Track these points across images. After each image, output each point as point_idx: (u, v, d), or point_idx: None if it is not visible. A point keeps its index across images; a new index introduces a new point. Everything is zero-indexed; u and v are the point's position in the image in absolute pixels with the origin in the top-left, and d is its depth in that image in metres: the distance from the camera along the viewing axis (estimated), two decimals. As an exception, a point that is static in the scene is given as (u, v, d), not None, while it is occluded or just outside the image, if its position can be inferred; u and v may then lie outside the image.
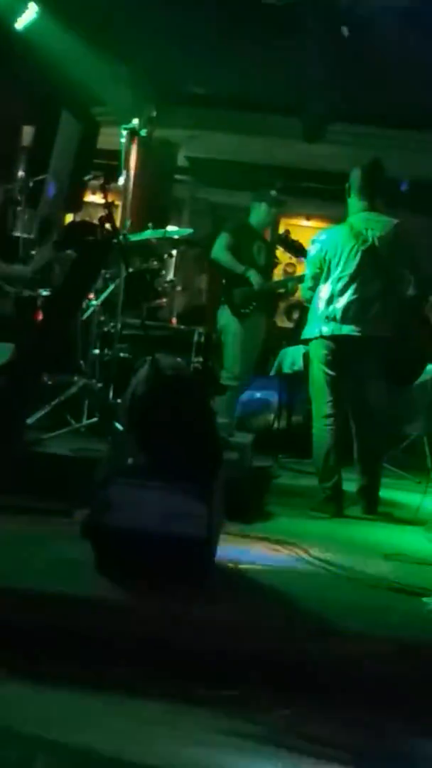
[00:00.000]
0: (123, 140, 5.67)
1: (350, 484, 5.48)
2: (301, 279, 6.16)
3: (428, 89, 7.23)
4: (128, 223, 5.86)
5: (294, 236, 6.61)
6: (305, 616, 3.34)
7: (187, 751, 2.70)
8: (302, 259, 6.22)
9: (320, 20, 6.73)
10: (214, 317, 7.38)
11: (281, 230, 7.99)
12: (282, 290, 7.46)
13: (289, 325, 9.42)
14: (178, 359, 5.76)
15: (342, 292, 5.37)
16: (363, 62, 7.08)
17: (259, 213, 7.31)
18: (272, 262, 7.54)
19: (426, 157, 8.97)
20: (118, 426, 5.04)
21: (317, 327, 5.45)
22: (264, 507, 5.15)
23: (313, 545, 4.30)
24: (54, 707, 2.84)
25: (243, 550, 4.13)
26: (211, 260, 7.44)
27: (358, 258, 5.36)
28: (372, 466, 5.51)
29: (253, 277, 7.05)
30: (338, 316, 5.36)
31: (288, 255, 7.16)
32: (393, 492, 5.94)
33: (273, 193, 7.37)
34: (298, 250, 6.39)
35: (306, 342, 5.74)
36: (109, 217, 5.46)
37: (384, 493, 5.62)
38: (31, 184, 6.36)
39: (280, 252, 7.53)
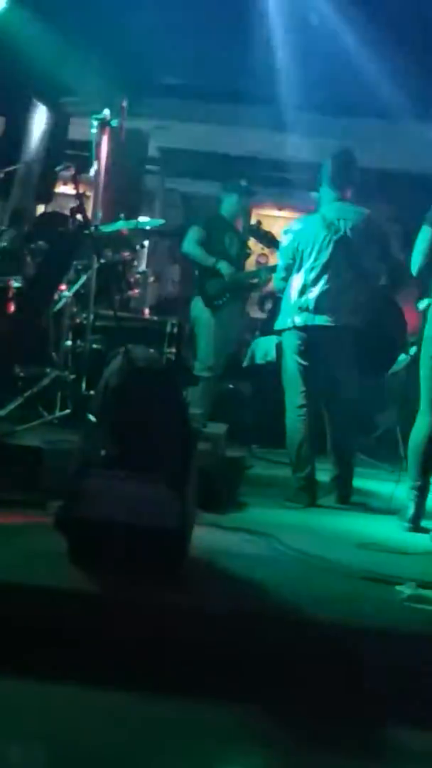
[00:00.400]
0: (94, 131, 5.63)
1: (324, 473, 5.50)
2: (273, 269, 6.17)
3: (396, 80, 7.26)
4: (99, 214, 5.82)
5: (266, 226, 6.61)
6: (280, 605, 3.36)
7: (158, 741, 2.71)
8: (274, 249, 6.23)
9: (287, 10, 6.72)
10: (187, 308, 7.37)
11: (253, 221, 7.99)
12: (255, 280, 7.46)
13: (262, 315, 9.42)
14: (151, 350, 5.75)
15: (314, 283, 5.38)
16: (332, 52, 7.09)
17: (229, 203, 7.31)
18: (245, 253, 7.53)
19: (395, 147, 9.00)
20: (91, 418, 5.03)
21: (290, 317, 5.46)
22: (238, 497, 5.15)
23: (287, 535, 4.31)
24: (22, 697, 2.85)
25: (217, 541, 4.14)
26: (183, 254, 7.43)
27: (330, 248, 5.37)
28: (345, 456, 5.54)
29: (225, 268, 7.05)
30: (311, 307, 5.37)
31: (260, 246, 7.16)
32: (366, 481, 5.97)
33: (243, 182, 7.36)
34: (270, 240, 6.40)
35: (279, 332, 5.74)
36: (81, 208, 5.44)
37: (357, 483, 5.65)
38: (1, 175, 6.31)
39: (252, 243, 7.53)
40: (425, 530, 4.80)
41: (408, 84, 7.30)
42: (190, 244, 7.17)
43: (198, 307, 7.17)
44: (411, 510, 4.89)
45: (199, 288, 7.18)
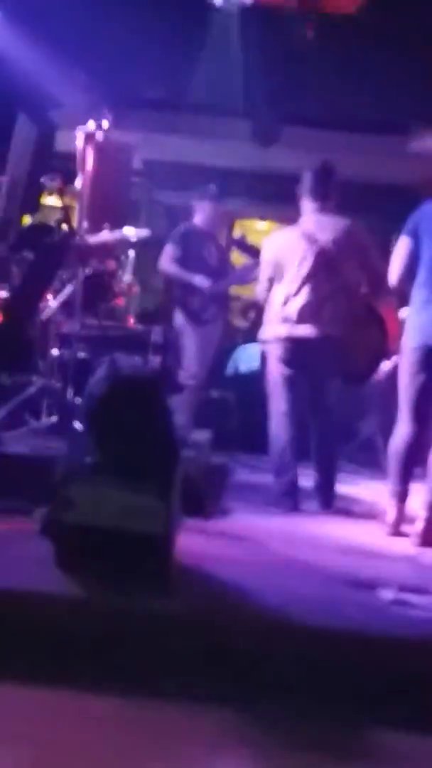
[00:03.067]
0: (79, 143, 5.67)
1: (307, 479, 5.55)
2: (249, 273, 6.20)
3: (377, 94, 7.33)
4: (85, 224, 5.87)
5: (249, 238, 6.66)
6: (263, 610, 3.37)
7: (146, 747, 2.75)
8: (259, 261, 6.29)
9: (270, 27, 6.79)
10: (172, 316, 7.39)
11: (237, 234, 8.01)
12: (236, 286, 7.45)
13: (245, 324, 9.47)
14: (136, 359, 5.81)
15: (296, 294, 5.44)
16: (314, 66, 7.16)
17: (204, 212, 7.28)
18: (226, 260, 7.53)
19: (376, 160, 9.08)
20: (77, 425, 5.07)
21: (273, 328, 5.53)
22: (222, 503, 5.19)
23: (271, 540, 4.35)
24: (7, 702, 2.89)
25: (201, 546, 4.15)
26: (162, 272, 7.44)
27: (310, 260, 5.43)
28: (328, 462, 5.58)
29: (203, 282, 7.05)
30: (293, 318, 5.43)
31: (244, 258, 7.20)
32: (348, 487, 6.02)
33: (212, 187, 7.33)
34: (254, 253, 6.43)
35: (263, 342, 5.80)
36: (66, 219, 5.49)
37: (340, 488, 5.69)
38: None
39: (236, 254, 7.56)
40: (405, 535, 4.86)
41: (389, 97, 7.39)
42: (167, 262, 7.15)
43: (182, 322, 7.19)
44: (392, 515, 4.95)
45: (182, 305, 7.19)
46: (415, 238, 4.94)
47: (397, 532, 4.91)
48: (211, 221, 7.32)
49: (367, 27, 6.57)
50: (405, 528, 4.90)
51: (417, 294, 4.95)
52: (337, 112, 7.87)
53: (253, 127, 8.54)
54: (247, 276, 7.03)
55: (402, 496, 4.96)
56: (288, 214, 5.77)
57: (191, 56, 7.34)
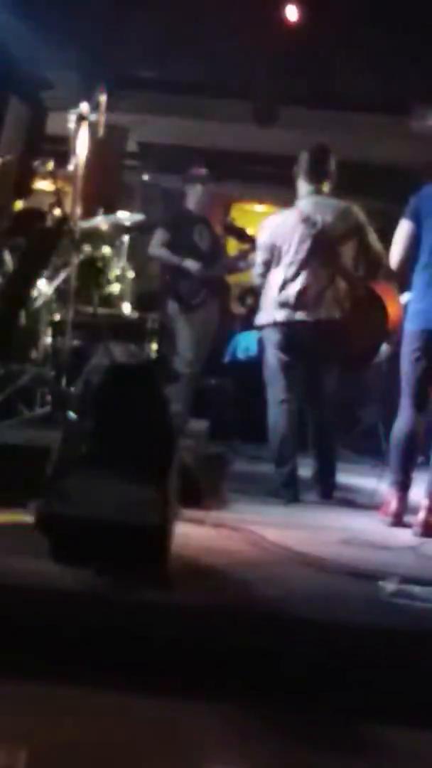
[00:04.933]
0: (72, 125, 5.58)
1: (306, 469, 5.50)
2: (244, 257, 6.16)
3: (376, 73, 7.26)
4: (78, 209, 5.79)
5: (247, 221, 6.60)
6: (262, 602, 3.34)
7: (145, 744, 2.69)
8: (249, 244, 6.22)
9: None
10: (165, 302, 7.32)
11: (227, 217, 7.94)
12: (230, 273, 7.39)
13: (243, 310, 9.41)
14: (132, 346, 5.74)
15: (293, 278, 5.37)
16: (312, 46, 7.08)
17: (194, 195, 7.19)
18: (219, 244, 7.43)
19: (375, 141, 9.01)
20: (72, 415, 5.00)
21: (271, 313, 5.45)
22: (220, 493, 5.14)
23: (270, 531, 4.29)
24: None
25: (199, 537, 4.12)
26: (150, 258, 7.37)
27: (308, 243, 5.35)
28: (327, 451, 5.54)
29: (192, 266, 6.97)
30: (291, 302, 5.36)
31: (236, 242, 7.12)
32: (349, 476, 5.97)
33: (202, 170, 7.24)
34: (242, 236, 6.38)
35: (260, 328, 5.73)
36: (59, 204, 5.41)
37: (340, 478, 5.65)
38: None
39: (230, 240, 7.47)
40: (408, 525, 4.80)
41: (389, 76, 7.32)
42: (156, 246, 7.08)
43: (174, 308, 7.11)
44: (393, 505, 4.89)
45: (173, 291, 7.11)
46: (416, 221, 4.91)
47: (398, 522, 4.86)
48: (202, 205, 7.23)
49: (366, 4, 6.48)
50: (407, 518, 4.85)
51: (418, 278, 4.93)
52: (335, 92, 7.79)
53: (253, 107, 8.45)
54: (238, 263, 6.96)
55: (404, 486, 4.91)
56: (287, 198, 5.69)
57: (185, 36, 7.25)
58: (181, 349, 7.04)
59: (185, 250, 7.01)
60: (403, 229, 4.93)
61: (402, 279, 5.11)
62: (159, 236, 7.08)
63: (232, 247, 7.71)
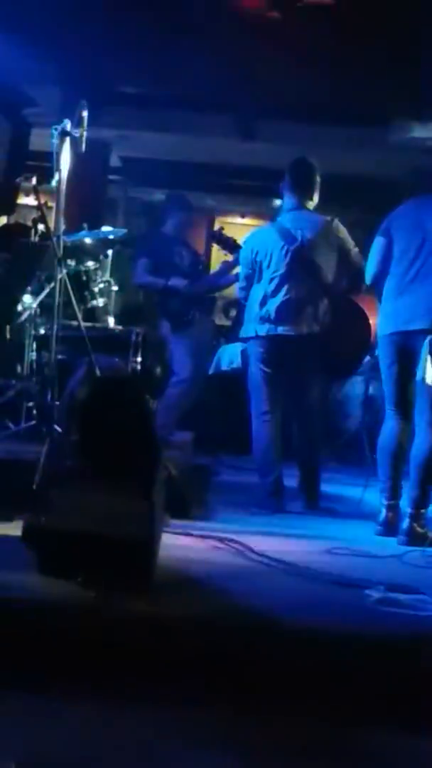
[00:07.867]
0: (54, 141, 5.60)
1: (291, 479, 5.51)
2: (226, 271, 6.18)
3: (357, 86, 7.31)
4: (62, 224, 5.80)
5: (230, 234, 6.61)
6: (249, 612, 3.33)
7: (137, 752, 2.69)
8: (237, 253, 6.24)
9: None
10: (153, 317, 7.33)
11: (216, 227, 7.97)
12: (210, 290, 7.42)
13: (227, 322, 9.42)
14: (116, 360, 5.74)
15: (275, 293, 5.40)
16: (292, 59, 7.12)
17: (175, 220, 7.24)
18: (199, 261, 7.45)
19: (357, 153, 9.05)
20: (57, 428, 5.01)
21: (253, 327, 5.48)
22: (205, 504, 5.15)
23: (256, 541, 4.30)
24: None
25: (185, 548, 4.13)
26: (138, 287, 7.42)
27: (288, 258, 5.38)
28: (312, 461, 5.56)
29: (179, 283, 6.99)
30: (272, 317, 5.39)
31: (223, 252, 7.14)
32: (334, 486, 5.98)
33: (184, 197, 7.32)
34: (232, 246, 6.40)
35: (243, 340, 5.75)
36: (43, 219, 5.42)
37: (325, 487, 5.66)
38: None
39: (215, 249, 7.50)
40: (393, 533, 4.80)
41: (371, 90, 7.35)
42: (142, 276, 7.11)
43: (166, 327, 7.13)
44: (383, 513, 4.91)
45: (164, 312, 7.13)
46: (388, 237, 4.99)
47: (384, 530, 4.86)
48: (181, 230, 7.32)
49: (345, 17, 6.52)
50: (392, 526, 4.86)
51: (387, 285, 4.99)
52: (317, 105, 7.83)
53: (235, 121, 8.49)
54: (220, 281, 7.01)
55: (392, 494, 4.92)
56: (269, 211, 5.73)
57: (167, 51, 7.27)
58: (176, 367, 7.05)
59: (167, 272, 7.02)
60: (377, 246, 5.02)
61: (377, 293, 5.15)
62: (142, 266, 7.11)
63: (216, 259, 7.75)
